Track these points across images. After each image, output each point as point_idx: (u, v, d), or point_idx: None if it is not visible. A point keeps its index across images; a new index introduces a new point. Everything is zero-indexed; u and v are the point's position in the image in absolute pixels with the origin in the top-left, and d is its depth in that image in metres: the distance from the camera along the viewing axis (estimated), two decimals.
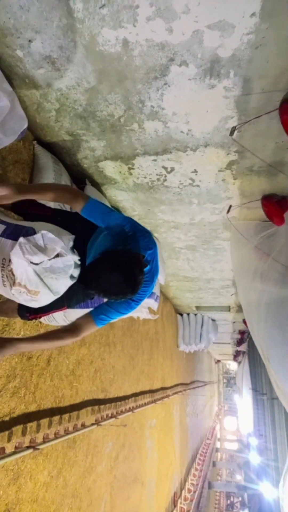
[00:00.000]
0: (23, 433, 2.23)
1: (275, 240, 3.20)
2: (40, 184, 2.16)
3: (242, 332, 11.11)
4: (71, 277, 1.54)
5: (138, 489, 4.87)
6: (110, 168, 2.86)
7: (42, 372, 2.50)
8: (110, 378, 3.90)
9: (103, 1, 1.60)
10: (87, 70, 1.94)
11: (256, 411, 10.34)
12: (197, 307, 8.37)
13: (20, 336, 2.24)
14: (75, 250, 1.58)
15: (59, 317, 2.23)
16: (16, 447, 2.16)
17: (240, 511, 18.34)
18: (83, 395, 3.16)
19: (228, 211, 3.43)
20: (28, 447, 2.21)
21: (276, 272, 3.07)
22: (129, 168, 2.84)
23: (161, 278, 4.45)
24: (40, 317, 1.87)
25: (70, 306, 1.78)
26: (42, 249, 1.44)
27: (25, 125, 2.04)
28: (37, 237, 1.45)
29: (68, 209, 2.50)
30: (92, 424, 3.22)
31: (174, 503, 7.42)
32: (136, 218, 3.71)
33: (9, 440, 2.10)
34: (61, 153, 2.68)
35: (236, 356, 17.06)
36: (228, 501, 19.69)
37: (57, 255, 1.48)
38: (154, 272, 1.59)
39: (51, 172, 2.41)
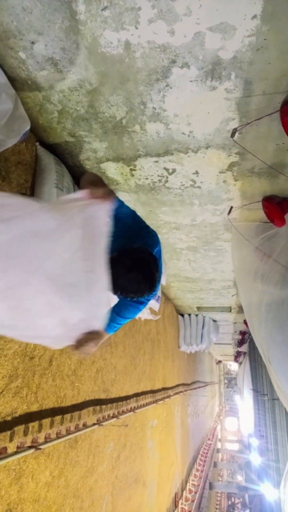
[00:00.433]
0: (25, 433, 2.24)
1: (276, 242, 3.21)
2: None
3: (243, 333, 11.10)
4: None
5: (139, 490, 4.87)
6: (112, 170, 2.87)
7: (44, 372, 2.51)
8: (111, 378, 3.91)
9: (106, 3, 1.61)
10: (89, 72, 1.95)
11: (257, 412, 10.33)
12: (198, 308, 8.37)
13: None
14: None
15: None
16: (18, 447, 2.17)
17: None
18: (84, 395, 3.17)
19: (229, 212, 3.44)
20: (30, 447, 2.22)
21: (277, 273, 3.07)
22: (131, 170, 2.85)
23: (163, 279, 4.46)
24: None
25: None
26: None
27: (28, 127, 2.06)
28: None
29: None
30: (94, 424, 3.22)
31: (175, 504, 7.41)
32: None
33: (11, 439, 2.11)
34: (64, 155, 2.69)
35: (237, 356, 17.04)
36: (229, 502, 19.68)
37: None
38: (160, 272, 1.60)
39: (53, 174, 2.42)
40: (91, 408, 3.27)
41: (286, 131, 2.11)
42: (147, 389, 5.51)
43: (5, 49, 1.84)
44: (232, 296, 6.91)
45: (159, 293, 4.39)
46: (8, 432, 2.10)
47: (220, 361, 28.70)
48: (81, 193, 1.33)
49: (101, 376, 3.60)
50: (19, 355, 2.22)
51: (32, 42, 1.79)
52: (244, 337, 11.34)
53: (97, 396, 3.47)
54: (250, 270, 3.50)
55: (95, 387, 3.43)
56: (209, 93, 2.04)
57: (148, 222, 3.92)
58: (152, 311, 4.76)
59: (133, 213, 1.62)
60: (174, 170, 2.83)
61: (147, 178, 2.97)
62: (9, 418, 2.12)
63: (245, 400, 13.72)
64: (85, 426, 3.07)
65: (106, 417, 3.63)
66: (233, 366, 31.95)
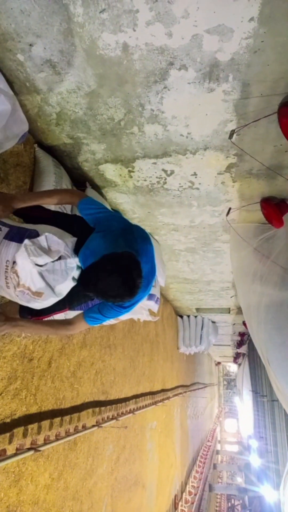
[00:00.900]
0: (24, 435, 2.24)
1: (274, 243, 3.21)
2: (39, 192, 2.21)
3: (242, 334, 11.11)
4: (73, 279, 1.56)
5: (139, 492, 4.86)
6: (110, 171, 2.88)
7: (43, 374, 2.50)
8: (110, 380, 3.90)
9: (103, 6, 1.62)
10: (88, 74, 1.96)
11: (256, 413, 10.33)
12: (197, 309, 8.38)
13: (22, 336, 2.25)
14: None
15: (60, 319, 2.24)
16: (17, 449, 2.16)
17: None
18: (84, 397, 3.17)
19: (228, 213, 3.45)
20: (29, 449, 2.22)
21: (275, 275, 3.08)
22: (129, 171, 2.86)
23: (161, 280, 4.46)
24: (41, 319, 1.89)
25: (71, 307, 1.80)
26: (46, 251, 1.46)
27: (26, 129, 2.06)
28: (41, 239, 1.47)
29: (66, 211, 2.53)
30: (93, 426, 3.22)
31: (175, 506, 7.40)
32: (136, 221, 3.75)
33: (10, 442, 2.10)
34: (62, 156, 2.69)
35: (236, 358, 17.04)
36: (229, 504, 19.65)
37: (60, 258, 1.50)
38: (149, 278, 1.57)
39: (52, 175, 2.42)
40: (90, 410, 3.27)
41: (284, 133, 2.12)
42: (146, 391, 5.51)
43: (3, 52, 1.85)
44: (231, 297, 6.92)
45: (158, 294, 4.39)
46: (7, 434, 2.10)
47: (219, 363, 28.71)
48: None
49: (100, 378, 3.59)
50: (18, 357, 2.22)
51: (30, 45, 1.80)
52: (243, 339, 11.35)
53: (96, 398, 3.47)
54: (248, 271, 3.50)
55: (94, 389, 3.43)
56: (207, 95, 2.05)
57: (147, 224, 3.95)
58: (151, 312, 4.76)
59: (112, 216, 1.63)
60: (172, 172, 2.84)
61: (145, 180, 2.97)
62: (8, 420, 2.12)
63: (244, 402, 13.72)
64: (84, 428, 3.06)
65: (105, 419, 3.63)
66: (232, 367, 31.94)
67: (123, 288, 1.32)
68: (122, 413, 4.14)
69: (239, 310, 7.28)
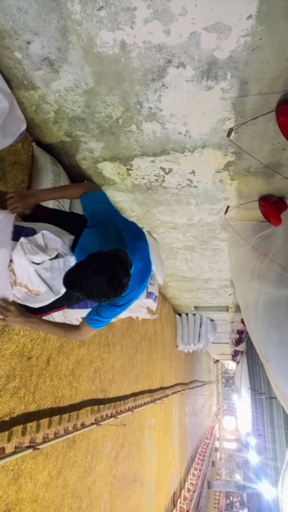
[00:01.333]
0: (23, 433, 2.24)
1: (272, 241, 3.22)
2: (56, 188, 2.23)
3: (240, 332, 11.14)
4: None
5: (137, 489, 4.88)
6: (108, 169, 2.88)
7: (42, 372, 2.51)
8: (109, 378, 3.91)
9: (101, 3, 1.61)
10: (85, 72, 1.96)
11: (255, 411, 10.36)
12: (196, 307, 8.39)
13: (20, 334, 2.25)
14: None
15: (58, 317, 2.24)
16: (16, 447, 2.16)
17: (240, 511, 18.36)
18: (82, 395, 3.17)
19: (226, 211, 3.45)
20: (28, 447, 2.22)
21: (273, 273, 3.08)
22: (128, 169, 2.86)
23: (159, 279, 4.46)
24: (39, 317, 1.89)
25: (69, 305, 1.80)
26: (43, 249, 1.45)
27: (24, 127, 2.06)
28: (38, 237, 1.47)
29: (64, 209, 2.52)
30: (92, 424, 3.22)
31: (174, 503, 7.43)
32: (134, 219, 3.75)
33: (9, 440, 2.11)
34: (60, 154, 2.69)
35: (234, 356, 17.09)
36: (228, 501, 19.72)
37: (57, 256, 1.50)
38: (143, 276, 1.55)
39: (50, 173, 2.42)
40: (89, 408, 3.28)
41: (282, 131, 2.11)
42: (145, 389, 5.52)
43: (1, 49, 1.84)
44: (229, 295, 6.93)
45: (156, 292, 4.39)
46: (6, 433, 2.10)
47: (217, 360, 28.77)
48: None
49: (99, 376, 3.60)
50: (17, 355, 2.22)
51: (28, 42, 1.79)
52: (242, 336, 11.38)
53: (95, 396, 3.47)
54: (246, 269, 3.51)
55: (93, 387, 3.43)
56: (205, 93, 2.05)
57: (145, 222, 3.95)
58: (150, 310, 4.77)
59: (110, 212, 1.63)
60: (170, 170, 2.84)
61: (143, 178, 2.97)
62: (7, 419, 2.12)
63: (242, 399, 13.75)
64: (83, 426, 3.07)
65: (104, 416, 3.64)
66: (231, 365, 32.03)
67: (107, 287, 1.28)
68: (120, 411, 4.15)
69: (238, 308, 7.29)
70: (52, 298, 1.58)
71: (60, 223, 1.69)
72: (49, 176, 2.41)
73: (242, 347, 12.25)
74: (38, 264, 1.45)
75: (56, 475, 2.63)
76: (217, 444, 23.44)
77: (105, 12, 1.65)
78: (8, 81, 1.99)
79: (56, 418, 2.65)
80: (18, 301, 1.55)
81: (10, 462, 2.09)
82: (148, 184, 3.07)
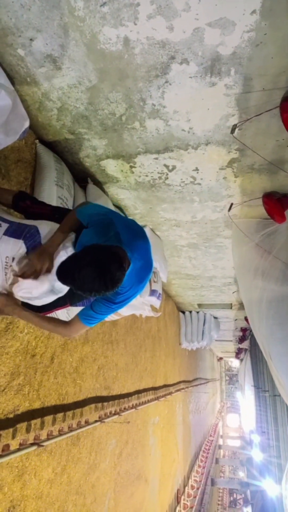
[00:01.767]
0: (27, 430, 2.25)
1: (276, 238, 3.21)
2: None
3: (244, 330, 11.12)
4: None
5: (141, 486, 4.89)
6: (111, 167, 2.87)
7: (46, 370, 2.51)
8: (113, 375, 3.91)
9: None
10: (88, 69, 1.95)
11: (258, 408, 10.35)
12: (199, 305, 8.38)
13: (24, 332, 2.26)
14: None
15: (62, 315, 2.25)
16: (20, 444, 2.17)
17: (243, 508, 18.40)
18: (86, 393, 3.18)
19: (230, 209, 3.44)
20: (32, 444, 2.23)
21: (277, 270, 3.07)
22: (131, 167, 2.85)
23: (163, 276, 4.46)
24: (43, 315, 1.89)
25: (72, 303, 1.80)
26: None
27: (27, 124, 2.05)
28: (41, 234, 1.47)
29: (68, 207, 2.52)
30: (96, 421, 3.23)
31: (178, 500, 7.45)
32: (138, 217, 3.74)
33: (13, 437, 2.12)
34: (63, 152, 2.69)
35: (238, 353, 17.06)
36: (231, 498, 19.77)
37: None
38: (142, 274, 1.54)
39: (53, 171, 2.41)
40: (93, 405, 3.28)
41: (286, 127, 2.10)
42: (148, 386, 5.52)
43: (4, 47, 1.83)
44: (233, 293, 6.91)
45: (160, 290, 4.39)
46: (11, 430, 2.11)
47: (221, 358, 28.75)
48: None
49: (103, 373, 3.60)
50: (21, 352, 2.23)
51: (31, 39, 1.79)
52: (245, 334, 11.36)
53: (99, 393, 3.48)
54: (250, 266, 3.50)
55: (97, 384, 3.44)
56: (208, 89, 2.04)
57: (148, 219, 3.94)
58: (153, 308, 4.77)
59: (108, 213, 1.62)
60: (174, 167, 2.83)
61: (147, 175, 2.97)
62: (11, 416, 2.13)
63: (246, 397, 13.75)
64: (87, 423, 3.07)
65: (108, 414, 3.64)
66: (234, 363, 32.01)
67: (98, 280, 1.27)
68: (124, 408, 4.16)
69: (241, 306, 7.28)
70: (54, 297, 1.58)
71: (61, 221, 1.69)
72: (52, 173, 2.41)
73: (245, 344, 12.22)
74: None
75: (60, 472, 2.64)
76: (220, 442, 23.48)
77: (108, 8, 1.64)
78: (11, 78, 1.99)
79: (60, 415, 2.66)
80: (21, 299, 1.55)
81: (14, 459, 2.10)
82: (152, 182, 3.06)
